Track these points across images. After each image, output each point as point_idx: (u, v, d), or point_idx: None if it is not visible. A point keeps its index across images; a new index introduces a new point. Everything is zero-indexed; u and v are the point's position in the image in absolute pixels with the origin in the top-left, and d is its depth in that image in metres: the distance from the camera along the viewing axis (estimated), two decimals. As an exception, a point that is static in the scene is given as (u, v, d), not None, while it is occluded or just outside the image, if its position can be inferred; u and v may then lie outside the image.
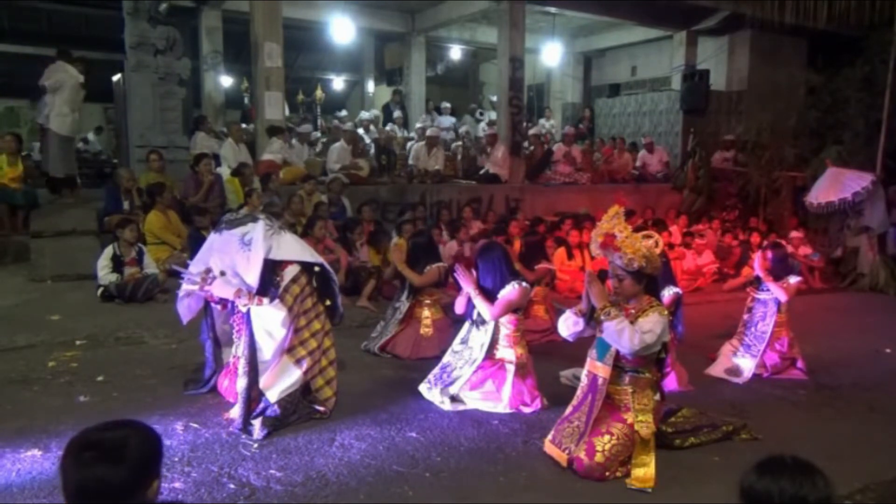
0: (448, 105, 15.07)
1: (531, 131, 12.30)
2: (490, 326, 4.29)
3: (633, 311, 3.51)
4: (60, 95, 7.90)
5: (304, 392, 4.02)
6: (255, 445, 3.63)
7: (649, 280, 3.58)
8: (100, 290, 6.45)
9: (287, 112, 12.32)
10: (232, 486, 3.21)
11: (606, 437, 3.41)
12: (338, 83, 18.68)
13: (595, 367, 3.57)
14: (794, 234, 9.33)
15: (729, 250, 9.59)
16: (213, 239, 4.12)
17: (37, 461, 3.36)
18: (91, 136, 15.92)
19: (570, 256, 8.10)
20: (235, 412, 3.86)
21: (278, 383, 3.88)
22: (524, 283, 4.31)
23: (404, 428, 3.96)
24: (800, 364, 5.32)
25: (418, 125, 12.43)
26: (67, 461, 1.59)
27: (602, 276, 3.84)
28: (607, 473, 3.37)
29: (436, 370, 4.48)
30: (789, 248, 7.15)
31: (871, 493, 3.38)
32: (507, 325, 4.31)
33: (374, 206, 8.34)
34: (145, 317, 5.99)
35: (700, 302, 8.02)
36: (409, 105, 14.82)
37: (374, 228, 7.77)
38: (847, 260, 9.75)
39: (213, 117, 12.23)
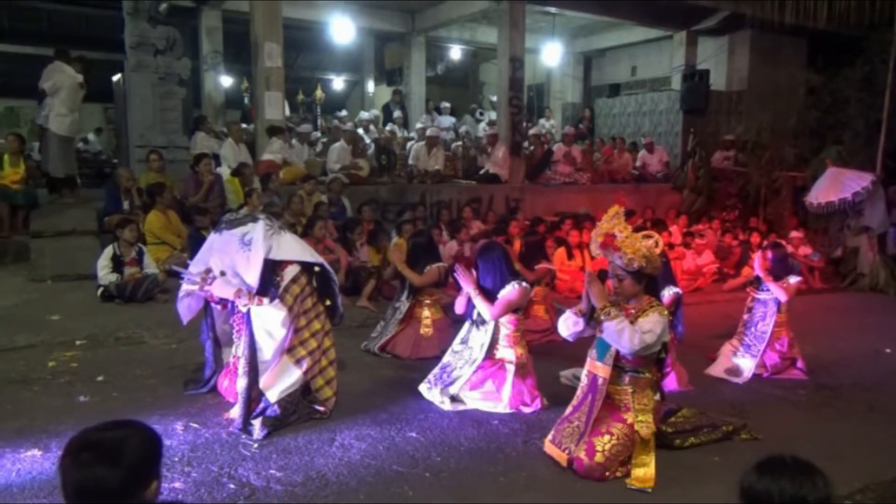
0: (448, 105, 15.07)
1: (531, 131, 12.30)
2: (490, 326, 4.29)
3: (633, 311, 3.51)
4: (59, 96, 7.89)
5: (304, 392, 4.02)
6: (255, 445, 3.63)
7: (649, 280, 3.58)
8: (100, 290, 6.45)
9: (287, 112, 12.33)
10: (232, 486, 3.21)
11: (606, 437, 3.41)
12: (338, 83, 18.68)
13: (595, 367, 3.57)
14: (794, 234, 9.34)
15: (729, 250, 9.59)
16: (213, 239, 4.12)
17: (37, 461, 3.36)
18: (91, 136, 15.92)
19: (570, 256, 8.10)
20: (235, 412, 3.86)
21: (278, 383, 3.88)
22: (524, 283, 4.31)
23: (404, 428, 3.96)
24: (800, 364, 5.32)
25: (418, 125, 12.43)
26: (66, 461, 1.59)
27: (602, 276, 3.84)
28: (607, 473, 3.37)
29: (436, 370, 4.48)
30: (789, 248, 7.15)
31: (871, 493, 3.38)
32: (507, 325, 4.31)
33: (374, 206, 8.34)
34: (145, 317, 5.99)
35: (700, 302, 8.02)
36: (409, 105, 14.82)
37: (374, 228, 7.77)
38: (847, 260, 9.75)
39: (213, 117, 12.23)
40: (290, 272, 4.00)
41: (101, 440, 1.60)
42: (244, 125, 11.19)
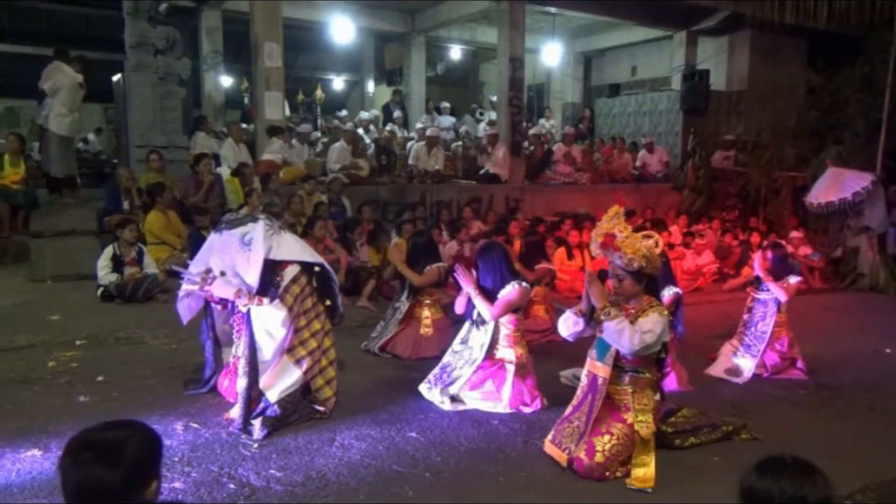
0: (448, 105, 15.07)
1: (531, 131, 12.30)
2: (490, 326, 4.29)
3: (633, 311, 3.51)
4: (59, 97, 7.88)
5: (304, 392, 4.02)
6: (255, 445, 3.63)
7: (649, 280, 3.58)
8: (100, 290, 6.45)
9: (287, 112, 12.33)
10: (232, 486, 3.21)
11: (606, 437, 3.41)
12: (338, 83, 18.68)
13: (595, 367, 3.57)
14: (794, 234, 9.34)
15: (729, 250, 9.59)
16: (213, 239, 4.12)
17: (37, 461, 3.36)
18: (91, 136, 15.92)
19: (570, 256, 8.10)
20: (235, 412, 3.86)
21: (278, 383, 3.88)
22: (524, 283, 4.31)
23: (404, 428, 3.96)
24: (800, 364, 5.32)
25: (418, 125, 12.43)
26: (66, 461, 1.59)
27: (602, 276, 3.84)
28: (607, 473, 3.37)
29: (436, 370, 4.48)
30: (789, 248, 7.15)
31: (871, 493, 3.38)
32: (507, 325, 4.31)
33: (374, 206, 8.34)
34: (145, 317, 5.99)
35: (700, 302, 8.02)
36: (409, 105, 14.82)
37: (374, 228, 7.77)
38: (847, 260, 9.75)
39: (213, 117, 12.23)
40: (290, 272, 4.00)
41: (100, 440, 1.60)
42: (244, 125, 11.19)
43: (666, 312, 3.54)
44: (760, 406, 4.56)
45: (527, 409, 4.24)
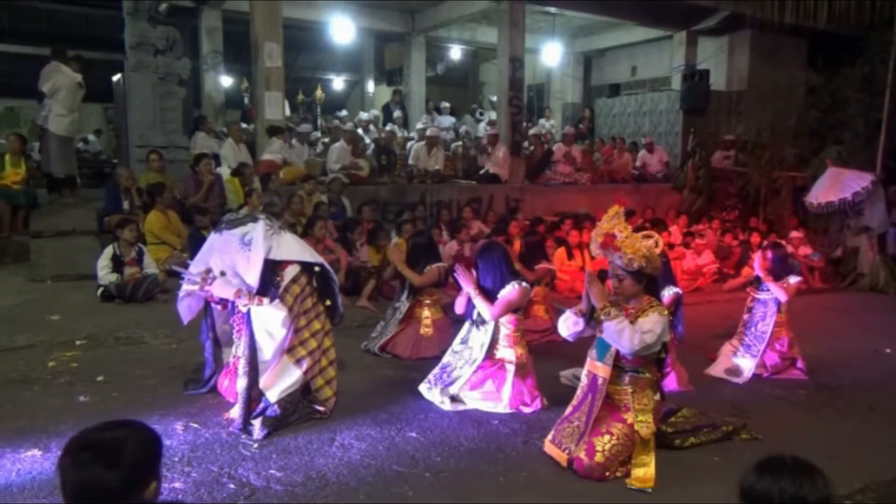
0: (448, 105, 15.07)
1: (531, 131, 12.30)
2: (490, 326, 4.29)
3: (633, 311, 3.51)
4: (57, 97, 7.87)
5: (304, 392, 4.02)
6: (255, 445, 3.63)
7: (649, 280, 3.58)
8: (100, 290, 6.45)
9: (287, 112, 12.33)
10: (232, 486, 3.21)
11: (606, 437, 3.41)
12: (338, 83, 18.68)
13: (595, 367, 3.57)
14: (794, 234, 9.33)
15: (729, 250, 9.59)
16: (213, 239, 4.12)
17: (37, 461, 3.36)
18: (91, 136, 15.93)
19: (570, 256, 8.10)
20: (235, 412, 3.86)
21: (278, 383, 3.88)
22: (524, 283, 4.31)
23: (404, 428, 3.96)
24: (800, 364, 5.32)
25: (418, 125, 12.43)
26: (65, 461, 1.59)
27: (602, 276, 3.84)
28: (607, 473, 3.37)
29: (436, 370, 4.48)
30: (789, 248, 7.15)
31: (871, 493, 3.38)
32: (507, 325, 4.31)
33: (374, 206, 8.34)
34: (145, 317, 5.99)
35: (700, 302, 8.02)
36: (409, 105, 14.82)
37: (374, 228, 7.77)
38: (847, 260, 9.75)
39: (213, 117, 12.23)
40: (291, 272, 4.00)
41: (100, 440, 1.60)
42: (244, 125, 11.19)
43: (666, 312, 3.54)
44: (760, 406, 4.56)
45: (527, 409, 4.24)
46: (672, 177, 12.01)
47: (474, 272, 4.42)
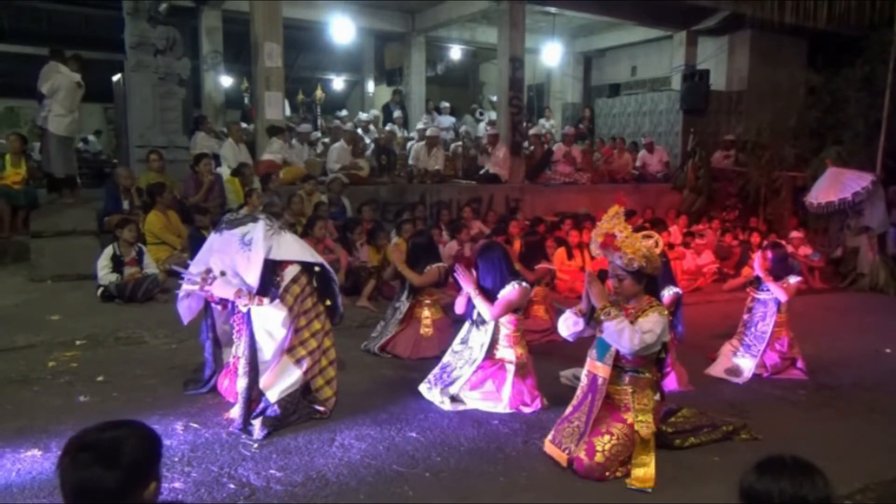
0: (448, 105, 15.08)
1: (531, 131, 12.30)
2: (490, 326, 4.29)
3: (633, 311, 3.51)
4: (57, 97, 7.85)
5: (304, 392, 4.02)
6: (255, 445, 3.63)
7: (649, 280, 3.58)
8: (100, 290, 6.45)
9: (287, 112, 12.33)
10: (232, 486, 3.21)
11: (606, 437, 3.40)
12: (338, 83, 18.68)
13: (595, 367, 3.57)
14: (794, 234, 9.34)
15: (729, 250, 9.59)
16: (213, 239, 4.12)
17: (37, 461, 3.36)
18: (91, 137, 15.93)
19: (570, 256, 8.10)
20: (235, 412, 3.86)
21: (278, 383, 3.88)
22: (524, 283, 4.31)
23: (404, 428, 3.96)
24: (800, 364, 5.31)
25: (418, 125, 12.43)
26: (65, 461, 1.59)
27: (602, 276, 3.84)
28: (607, 473, 3.37)
29: (436, 370, 4.48)
30: (789, 248, 7.15)
31: (871, 493, 3.38)
32: (507, 325, 4.31)
33: (374, 206, 8.34)
34: (145, 317, 5.99)
35: (700, 302, 8.02)
36: (409, 105, 14.82)
37: (374, 228, 7.77)
38: (847, 260, 9.75)
39: (213, 117, 12.24)
40: (291, 272, 4.00)
41: (99, 440, 1.60)
42: (244, 125, 11.19)
43: (666, 312, 3.54)
44: (760, 406, 4.56)
45: (527, 409, 4.24)
46: (672, 177, 12.01)
47: (474, 272, 4.42)
